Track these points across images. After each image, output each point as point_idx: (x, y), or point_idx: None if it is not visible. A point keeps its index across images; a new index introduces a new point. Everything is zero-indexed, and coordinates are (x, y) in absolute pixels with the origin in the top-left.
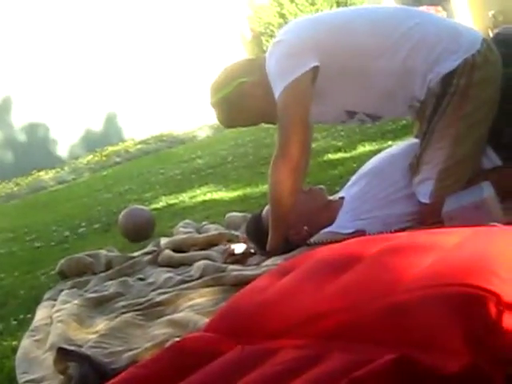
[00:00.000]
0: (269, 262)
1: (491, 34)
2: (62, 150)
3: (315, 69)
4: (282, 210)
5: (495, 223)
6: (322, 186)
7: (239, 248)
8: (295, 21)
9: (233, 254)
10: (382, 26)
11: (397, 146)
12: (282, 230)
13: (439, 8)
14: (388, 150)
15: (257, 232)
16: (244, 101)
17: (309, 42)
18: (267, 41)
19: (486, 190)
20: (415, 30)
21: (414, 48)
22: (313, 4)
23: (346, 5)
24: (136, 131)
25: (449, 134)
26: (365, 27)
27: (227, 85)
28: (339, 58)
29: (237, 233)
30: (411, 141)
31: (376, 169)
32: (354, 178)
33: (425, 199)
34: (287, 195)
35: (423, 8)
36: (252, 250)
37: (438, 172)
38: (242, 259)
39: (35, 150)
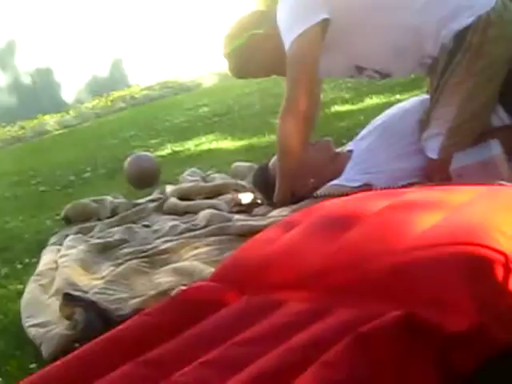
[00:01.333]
0: (275, 212)
1: None
2: (68, 95)
3: (325, 21)
4: (290, 161)
5: (503, 182)
6: (329, 138)
7: (246, 198)
8: None
9: (239, 203)
10: None
11: (407, 101)
12: (289, 182)
13: None
14: (398, 105)
15: (263, 183)
16: (255, 53)
17: None
18: None
19: (495, 148)
20: None
21: (428, 3)
22: None
23: None
24: (141, 77)
25: (460, 90)
26: None
27: (239, 36)
28: (350, 12)
29: (243, 182)
30: (422, 96)
31: (386, 123)
32: (363, 131)
33: (433, 154)
34: (295, 147)
35: None
36: (258, 201)
37: (447, 128)
38: (248, 209)
39: (40, 94)
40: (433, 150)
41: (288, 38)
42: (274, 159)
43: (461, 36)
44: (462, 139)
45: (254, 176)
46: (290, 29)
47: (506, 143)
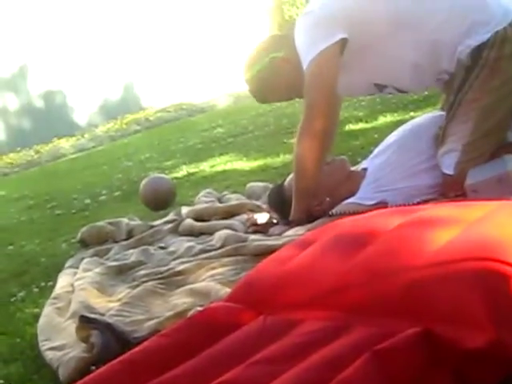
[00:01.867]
0: (291, 232)
1: None
2: (81, 119)
3: (343, 40)
4: (307, 181)
5: None
6: (344, 157)
7: (262, 218)
8: None
9: (255, 223)
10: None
11: (421, 118)
12: (305, 201)
13: None
14: (412, 121)
15: (279, 202)
16: (276, 76)
17: (337, 13)
18: (289, 10)
19: (510, 163)
20: (446, 2)
21: (445, 20)
22: None
23: None
24: (154, 100)
25: (476, 106)
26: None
27: (259, 61)
28: (367, 31)
29: (258, 203)
30: (436, 112)
31: (400, 140)
32: (377, 149)
33: (449, 170)
34: (312, 166)
35: None
36: (274, 220)
37: (463, 144)
38: (263, 229)
39: (54, 117)
40: (449, 166)
41: (306, 59)
42: (289, 178)
43: (477, 52)
44: (477, 155)
45: (269, 195)
46: (308, 49)
47: None
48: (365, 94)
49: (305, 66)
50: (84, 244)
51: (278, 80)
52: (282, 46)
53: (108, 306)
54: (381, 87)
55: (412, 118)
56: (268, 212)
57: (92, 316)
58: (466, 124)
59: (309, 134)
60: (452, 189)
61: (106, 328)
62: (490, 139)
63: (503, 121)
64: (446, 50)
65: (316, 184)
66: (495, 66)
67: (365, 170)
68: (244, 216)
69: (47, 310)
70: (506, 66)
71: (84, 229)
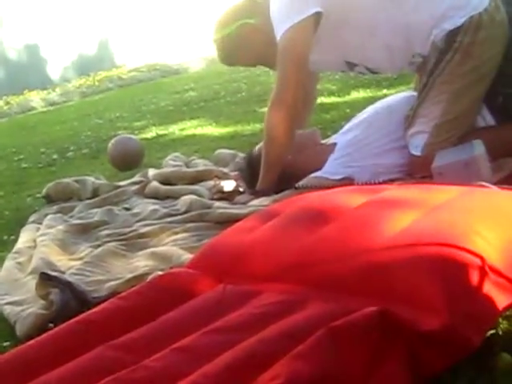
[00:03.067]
0: (256, 202)
1: None
2: (54, 73)
3: (318, 15)
4: (276, 151)
5: (484, 182)
6: (315, 128)
7: (228, 185)
8: None
9: (221, 191)
10: None
11: (394, 97)
12: (274, 172)
13: None
14: (385, 100)
15: (250, 170)
16: (244, 43)
17: None
18: None
19: (477, 148)
20: None
21: (420, 3)
22: None
23: None
24: (128, 58)
25: (447, 89)
26: None
27: (229, 25)
28: (342, 8)
29: (225, 170)
30: (408, 93)
31: (371, 118)
32: (348, 125)
33: (416, 151)
34: (282, 136)
35: None
36: (241, 189)
37: (432, 126)
38: (229, 197)
39: (27, 70)
40: (417, 147)
41: (280, 30)
42: (259, 147)
43: (452, 36)
44: (446, 138)
45: (241, 163)
46: (282, 20)
47: (489, 144)
48: (335, 71)
49: (278, 37)
50: (49, 200)
51: (244, 46)
52: (255, 12)
53: (69, 264)
54: (351, 65)
55: (385, 95)
56: (235, 180)
57: (52, 273)
58: (437, 106)
59: (280, 103)
60: (419, 170)
61: (66, 286)
62: (459, 123)
63: (473, 105)
64: (420, 33)
65: (285, 153)
66: (468, 50)
67: (334, 144)
68: (210, 182)
69: (8, 265)
70: (479, 52)
71: (50, 184)
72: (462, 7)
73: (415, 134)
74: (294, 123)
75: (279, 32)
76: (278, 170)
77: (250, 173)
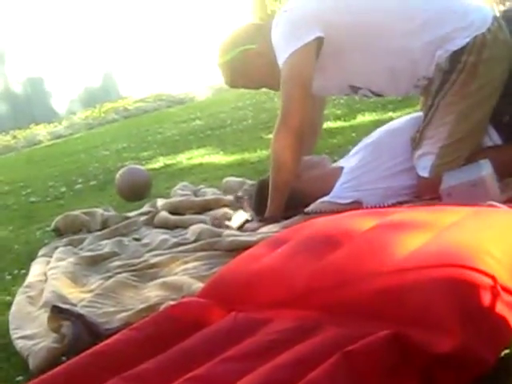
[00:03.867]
0: (265, 229)
1: (497, 9)
2: (60, 106)
3: (319, 39)
4: (283, 177)
5: (493, 202)
6: (325, 156)
7: (237, 219)
8: None
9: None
10: (392, 5)
11: (400, 120)
12: (281, 198)
13: None
14: (391, 123)
15: (258, 197)
16: (246, 67)
17: (315, 13)
18: (272, 4)
19: (485, 168)
20: (424, 8)
21: (424, 26)
22: None
23: None
24: (133, 89)
25: (453, 110)
26: (371, 3)
27: (232, 50)
28: (344, 32)
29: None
30: (414, 115)
31: (378, 141)
32: (355, 148)
33: (424, 173)
34: (289, 163)
35: None
36: (249, 218)
37: (439, 147)
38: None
39: (32, 103)
40: (424, 169)
41: (282, 56)
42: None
43: (456, 56)
44: (453, 159)
45: (249, 190)
46: (284, 47)
47: (497, 163)
48: (339, 95)
49: (281, 62)
50: (58, 233)
51: (247, 71)
52: (257, 37)
53: (80, 296)
54: (355, 89)
55: (391, 118)
56: (242, 207)
57: (64, 306)
58: (443, 127)
59: (286, 129)
60: (427, 191)
61: (78, 319)
62: (466, 143)
63: (479, 125)
64: (424, 56)
65: (292, 179)
66: (473, 70)
67: (341, 168)
68: (220, 211)
69: (19, 299)
70: (483, 71)
71: (59, 217)
72: (466, 28)
73: (422, 156)
74: (301, 148)
75: (282, 58)
76: (285, 196)
77: (258, 200)
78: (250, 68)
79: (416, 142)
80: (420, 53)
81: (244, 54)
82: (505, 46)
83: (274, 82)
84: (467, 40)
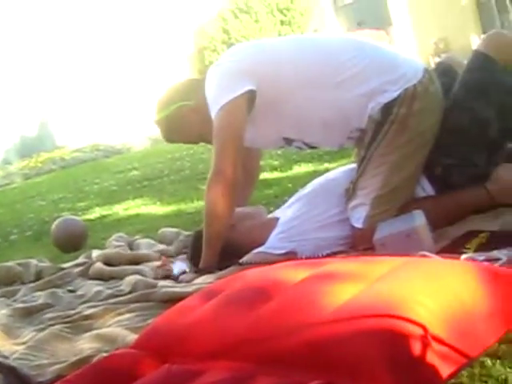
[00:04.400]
0: (200, 280)
1: (432, 61)
2: None
3: (252, 92)
4: (216, 228)
5: (426, 252)
6: (261, 206)
7: (178, 268)
8: (238, 45)
9: (170, 275)
10: (322, 58)
11: (335, 171)
12: (215, 249)
13: (382, 32)
14: (327, 175)
15: (194, 248)
16: (182, 123)
17: (247, 66)
18: (210, 55)
19: (418, 219)
20: (353, 62)
21: (354, 79)
22: (257, 21)
23: (289, 24)
24: (70, 139)
25: (386, 161)
26: (305, 58)
27: (167, 107)
28: (276, 85)
29: (170, 248)
30: (350, 166)
31: (313, 192)
32: (291, 199)
33: (358, 224)
34: (221, 214)
35: (366, 31)
36: (187, 269)
37: (372, 198)
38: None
39: None
40: (358, 220)
41: (214, 108)
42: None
43: (387, 108)
44: (386, 209)
45: (185, 241)
46: (216, 99)
47: (430, 214)
48: (274, 147)
49: (213, 114)
50: None
51: (183, 127)
52: (194, 93)
53: (13, 348)
54: (289, 141)
55: (327, 169)
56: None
57: None
58: (376, 178)
59: (218, 180)
60: (361, 242)
61: (10, 372)
62: (399, 194)
63: (412, 176)
64: (355, 109)
65: (225, 230)
66: (404, 122)
67: (277, 219)
68: (156, 263)
69: None
70: (414, 123)
71: None
72: (396, 80)
73: (356, 207)
74: (234, 199)
75: (214, 110)
76: (218, 247)
77: (194, 251)
78: (186, 124)
79: (350, 193)
80: (351, 105)
81: (179, 110)
82: (435, 98)
83: (210, 136)
84: (398, 92)
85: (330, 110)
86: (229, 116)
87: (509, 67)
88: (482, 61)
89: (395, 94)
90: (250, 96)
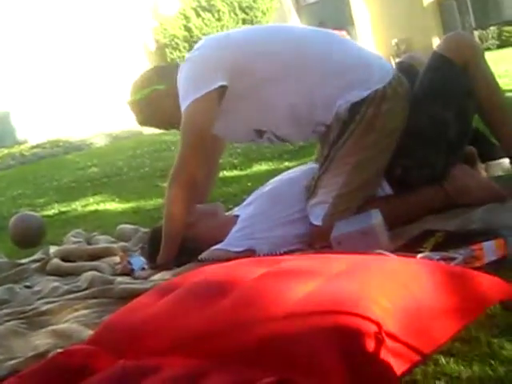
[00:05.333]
0: (157, 276)
1: (393, 62)
2: None
3: (222, 88)
4: (175, 223)
5: (382, 250)
6: (218, 203)
7: (137, 264)
8: (208, 38)
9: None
10: (292, 49)
11: (295, 169)
12: (173, 246)
13: (344, 33)
14: (287, 173)
15: (152, 245)
16: (154, 107)
17: (219, 61)
18: (171, 53)
19: (375, 217)
20: (324, 58)
21: (324, 74)
22: (219, 20)
23: (251, 23)
24: (31, 134)
25: (349, 161)
26: (275, 48)
27: (141, 90)
28: (246, 79)
29: (127, 244)
30: (310, 165)
31: (273, 190)
32: (250, 197)
33: (317, 221)
34: (180, 211)
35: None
36: (145, 266)
37: (333, 197)
38: (131, 272)
39: None
40: (317, 217)
41: (183, 104)
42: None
43: (355, 108)
44: (345, 208)
45: (143, 237)
46: (186, 94)
47: (387, 213)
48: (246, 140)
49: (183, 108)
50: None
51: (157, 110)
52: (165, 78)
53: None
54: (261, 133)
55: (287, 167)
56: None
57: None
58: (338, 177)
59: (179, 178)
60: (319, 240)
61: None
62: (360, 194)
63: (373, 177)
64: (322, 103)
65: (183, 227)
66: (371, 122)
67: (236, 216)
68: (114, 258)
69: None
70: (381, 124)
71: None
72: (367, 80)
73: (316, 205)
74: (193, 197)
75: (183, 105)
76: (177, 244)
77: (151, 247)
78: (158, 108)
79: (311, 191)
80: (320, 99)
81: (152, 94)
82: (403, 100)
83: (180, 123)
84: (368, 92)
85: (298, 103)
86: (197, 113)
87: (467, 68)
88: (440, 62)
89: (364, 94)
90: (221, 91)
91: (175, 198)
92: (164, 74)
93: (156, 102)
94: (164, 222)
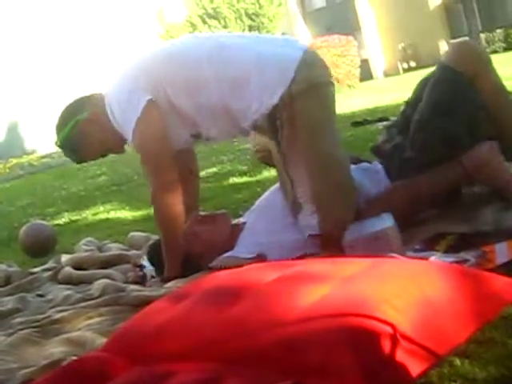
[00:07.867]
0: (170, 283)
1: (400, 67)
2: None
3: (151, 101)
4: (171, 233)
5: (394, 254)
6: (225, 211)
7: (150, 271)
8: (128, 62)
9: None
10: (190, 70)
11: None
12: (176, 255)
13: (350, 38)
14: None
15: (158, 257)
16: (84, 137)
17: (139, 79)
18: None
19: (387, 221)
20: (221, 74)
21: (223, 95)
22: (225, 27)
23: (258, 29)
24: (39, 144)
25: (303, 166)
26: (195, 56)
27: (64, 125)
28: (166, 89)
29: (139, 252)
30: None
31: (277, 194)
32: (256, 203)
33: (315, 231)
34: (172, 218)
35: (335, 37)
36: (153, 274)
37: (313, 204)
38: (142, 280)
39: None
40: (313, 227)
41: (127, 131)
42: None
43: (272, 115)
44: (334, 208)
45: (148, 251)
46: (125, 121)
47: (409, 197)
48: (188, 144)
49: (129, 137)
50: None
51: (86, 140)
52: (85, 106)
53: None
54: (196, 136)
55: None
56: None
57: None
58: (306, 186)
59: (161, 189)
60: (327, 245)
61: None
62: (336, 189)
63: (338, 169)
64: (240, 115)
65: (181, 231)
66: (292, 123)
67: (244, 223)
68: (126, 266)
69: None
70: (303, 121)
71: None
72: (272, 86)
73: (306, 217)
74: (181, 199)
75: (128, 133)
76: (179, 252)
77: (158, 259)
78: (87, 137)
79: (297, 206)
80: (236, 112)
81: (75, 127)
82: (318, 86)
83: (113, 144)
84: (275, 100)
85: (216, 107)
86: (145, 128)
87: (476, 80)
88: (448, 75)
89: (273, 102)
90: (152, 104)
91: (165, 208)
92: (80, 103)
93: (83, 131)
94: (162, 232)
